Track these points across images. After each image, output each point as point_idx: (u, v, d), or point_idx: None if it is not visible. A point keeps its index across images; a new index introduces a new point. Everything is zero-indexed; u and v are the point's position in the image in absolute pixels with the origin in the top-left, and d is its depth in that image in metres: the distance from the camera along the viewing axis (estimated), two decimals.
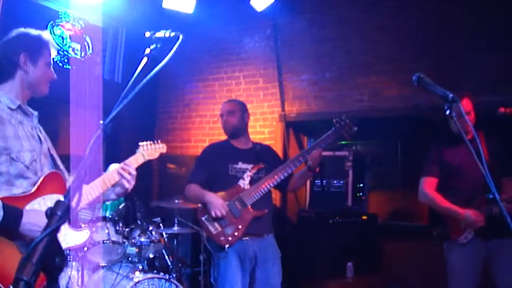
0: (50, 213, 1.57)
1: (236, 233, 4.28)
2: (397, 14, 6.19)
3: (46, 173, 2.68)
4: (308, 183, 6.66)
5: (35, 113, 2.85)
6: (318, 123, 6.57)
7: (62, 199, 1.62)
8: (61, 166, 2.90)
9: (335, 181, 6.51)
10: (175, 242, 5.40)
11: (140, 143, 3.22)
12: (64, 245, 2.66)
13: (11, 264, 2.34)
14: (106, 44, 7.31)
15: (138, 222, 5.20)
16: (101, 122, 1.83)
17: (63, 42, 6.52)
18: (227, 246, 4.28)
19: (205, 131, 7.70)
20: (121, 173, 2.93)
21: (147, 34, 2.07)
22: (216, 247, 4.39)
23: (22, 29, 2.79)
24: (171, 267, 5.38)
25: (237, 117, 4.62)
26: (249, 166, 4.47)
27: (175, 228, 5.36)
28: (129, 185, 2.95)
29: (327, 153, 6.45)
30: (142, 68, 1.95)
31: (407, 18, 6.12)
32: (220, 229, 4.31)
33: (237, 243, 4.31)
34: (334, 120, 4.43)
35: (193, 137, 7.81)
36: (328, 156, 6.44)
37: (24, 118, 2.73)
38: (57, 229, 1.57)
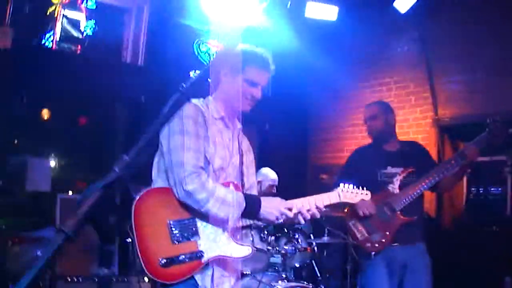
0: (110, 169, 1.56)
1: (383, 240, 4.15)
2: None
3: (221, 182, 2.77)
4: (464, 189, 6.34)
5: (239, 126, 3.01)
6: (474, 126, 6.20)
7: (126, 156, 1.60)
8: (248, 182, 3.02)
9: (492, 188, 6.10)
10: (324, 252, 5.33)
11: (341, 184, 3.04)
12: (219, 252, 2.70)
13: (158, 246, 2.58)
14: None
15: (285, 230, 5.14)
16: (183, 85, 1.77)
17: (210, 58, 6.88)
18: (373, 253, 4.20)
19: (357, 140, 7.61)
20: (304, 210, 2.84)
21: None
22: (363, 253, 4.32)
23: (242, 45, 2.91)
24: (319, 278, 5.30)
25: (380, 120, 4.40)
26: (399, 170, 4.23)
27: (325, 238, 5.29)
28: (303, 221, 2.91)
29: (484, 158, 6.07)
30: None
31: None
32: (366, 235, 4.21)
33: (385, 250, 4.16)
34: (488, 120, 4.14)
35: (346, 147, 7.76)
36: (485, 161, 6.06)
37: (224, 129, 2.88)
38: (110, 185, 1.54)
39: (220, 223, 2.69)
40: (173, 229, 2.61)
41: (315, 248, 5.36)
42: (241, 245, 2.78)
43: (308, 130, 8.30)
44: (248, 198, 2.73)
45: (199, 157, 2.65)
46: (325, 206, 2.92)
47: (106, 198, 1.54)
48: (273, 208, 2.75)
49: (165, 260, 2.55)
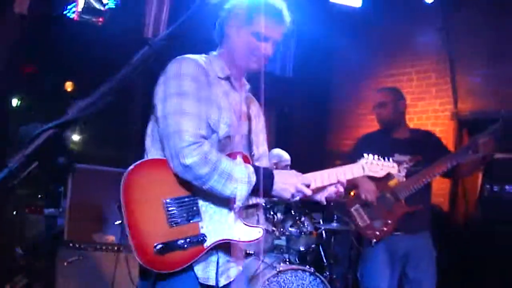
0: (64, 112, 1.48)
1: (385, 228, 4.10)
2: None
3: (227, 153, 2.36)
4: (478, 185, 6.19)
5: (247, 86, 2.61)
6: (494, 122, 6.06)
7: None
8: (257, 151, 2.63)
9: (507, 187, 5.88)
10: (332, 238, 5.25)
11: (365, 154, 2.66)
12: (225, 235, 2.32)
13: (153, 229, 2.22)
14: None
15: (292, 212, 5.09)
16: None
17: None
18: (374, 240, 4.14)
19: (376, 128, 7.53)
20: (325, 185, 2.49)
21: None
22: (364, 240, 4.28)
23: None
24: (324, 263, 5.21)
25: (389, 108, 4.28)
26: (406, 158, 4.16)
27: (334, 224, 5.20)
28: (324, 201, 2.56)
29: (502, 155, 5.91)
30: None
31: None
32: (368, 221, 4.17)
33: (387, 238, 4.12)
34: (502, 111, 4.03)
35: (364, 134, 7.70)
36: (503, 158, 5.89)
37: (230, 91, 2.48)
38: (62, 125, 1.45)
39: (226, 201, 2.30)
40: (170, 209, 2.23)
41: (323, 233, 5.30)
42: (251, 226, 2.40)
43: (327, 115, 8.22)
44: (259, 171, 2.29)
45: (200, 124, 2.24)
46: (348, 181, 2.53)
47: (56, 139, 1.48)
48: (288, 183, 2.33)
49: (161, 246, 2.18)
